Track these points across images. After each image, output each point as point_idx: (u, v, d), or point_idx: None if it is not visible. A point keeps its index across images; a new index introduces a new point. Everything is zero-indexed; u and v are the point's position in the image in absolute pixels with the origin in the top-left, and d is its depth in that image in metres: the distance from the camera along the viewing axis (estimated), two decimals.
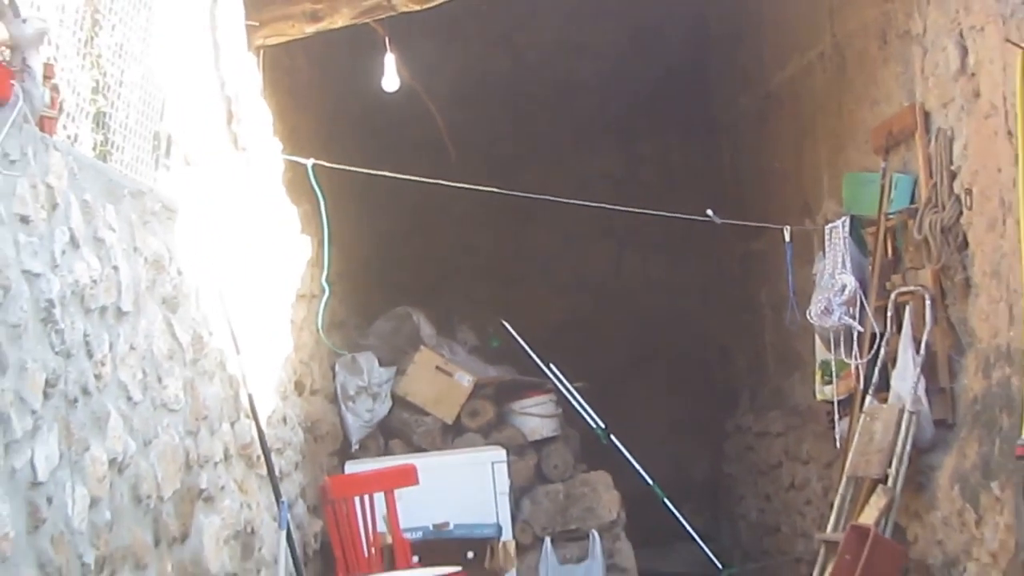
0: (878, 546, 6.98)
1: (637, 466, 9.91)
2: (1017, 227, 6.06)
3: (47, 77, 4.32)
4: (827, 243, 8.31)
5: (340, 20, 7.91)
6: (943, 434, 7.23)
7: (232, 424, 6.40)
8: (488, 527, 8.74)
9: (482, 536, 8.62)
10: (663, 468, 10.44)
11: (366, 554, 8.03)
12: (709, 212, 8.78)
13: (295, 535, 7.25)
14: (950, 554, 7.01)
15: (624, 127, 13.39)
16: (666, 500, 9.88)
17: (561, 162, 13.23)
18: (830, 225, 8.35)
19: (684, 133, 13.30)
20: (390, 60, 9.57)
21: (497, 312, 11.24)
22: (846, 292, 7.93)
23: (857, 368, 7.95)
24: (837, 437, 8.31)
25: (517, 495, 9.60)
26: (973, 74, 6.65)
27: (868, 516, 7.24)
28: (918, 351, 7.25)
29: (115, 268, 4.78)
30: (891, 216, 7.73)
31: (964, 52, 6.73)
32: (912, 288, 7.44)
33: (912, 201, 7.53)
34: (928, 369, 7.25)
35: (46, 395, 4.01)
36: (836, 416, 8.32)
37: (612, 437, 10.02)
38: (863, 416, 7.64)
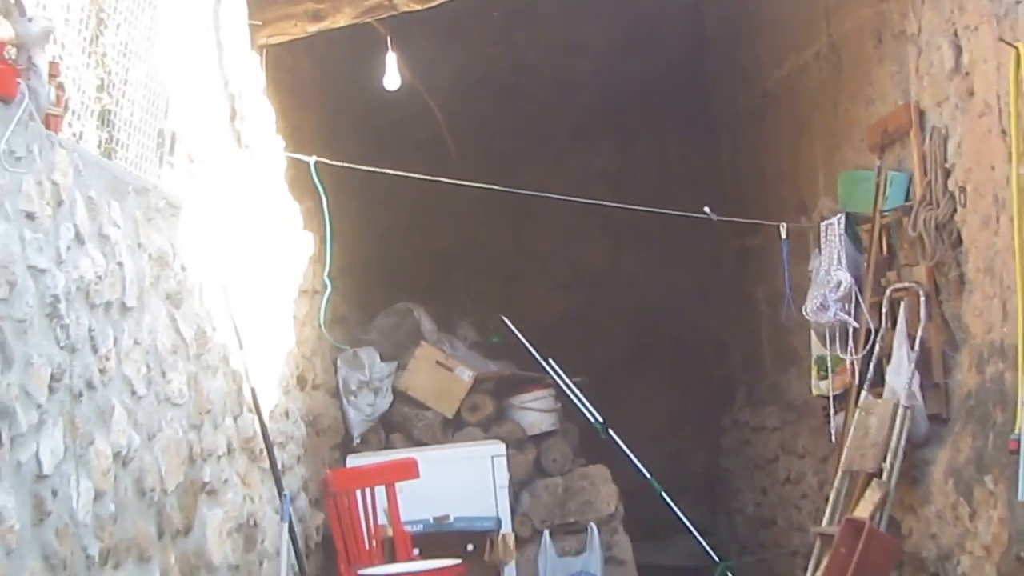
0: (873, 539, 6.98)
1: (635, 460, 9.89)
2: (1010, 224, 6.05)
3: (52, 75, 4.32)
4: (823, 240, 8.31)
5: (342, 19, 7.91)
6: (937, 429, 7.23)
7: (235, 418, 6.41)
8: (488, 520, 8.74)
9: (482, 529, 8.62)
10: (661, 462, 10.43)
11: (367, 546, 8.02)
12: (706, 209, 8.77)
13: (297, 528, 7.25)
14: (944, 547, 7.02)
15: (622, 125, 13.38)
16: (664, 494, 9.87)
17: (560, 160, 13.23)
18: (826, 222, 8.35)
19: (682, 131, 13.29)
20: (391, 59, 9.57)
21: (497, 308, 11.23)
22: (841, 288, 7.93)
23: (852, 363, 7.95)
24: (832, 432, 8.31)
25: (516, 488, 9.60)
26: (967, 73, 6.64)
27: (863, 510, 7.24)
28: (913, 347, 7.25)
29: (120, 264, 4.78)
30: (886, 213, 7.73)
31: (958, 51, 6.73)
32: (907, 284, 7.45)
33: (907, 198, 7.53)
34: (922, 364, 7.25)
35: (51, 389, 4.01)
36: (832, 411, 8.31)
37: (610, 431, 10.01)
38: (858, 411, 7.64)
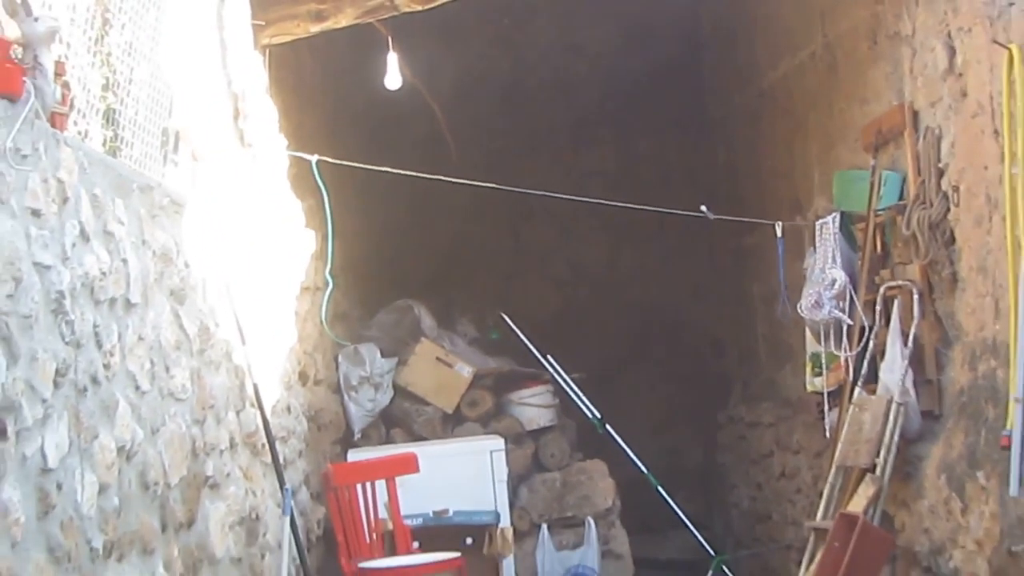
0: (866, 534, 6.98)
1: (632, 455, 9.89)
2: (1003, 223, 6.06)
3: (58, 74, 4.32)
4: (818, 238, 8.31)
5: (344, 20, 7.90)
6: (930, 425, 7.23)
7: (238, 413, 6.41)
8: (487, 514, 8.75)
9: (481, 523, 8.63)
10: (657, 457, 10.44)
11: (368, 540, 8.03)
12: (703, 208, 8.77)
13: (299, 521, 7.25)
14: (936, 542, 7.02)
15: (620, 124, 13.38)
16: (660, 488, 9.86)
17: (559, 158, 13.24)
18: (821, 221, 8.35)
19: (679, 131, 13.28)
20: (392, 59, 9.57)
21: (496, 305, 11.24)
22: (836, 286, 7.93)
23: (847, 360, 7.95)
24: (827, 427, 8.31)
25: (515, 483, 9.61)
26: (961, 74, 6.64)
27: (857, 504, 7.24)
28: (906, 344, 7.25)
29: (124, 261, 4.78)
30: (880, 212, 7.73)
31: (952, 52, 6.73)
32: (900, 283, 7.45)
33: (901, 198, 7.53)
34: (916, 361, 7.25)
35: (56, 384, 4.01)
36: (826, 407, 8.32)
37: (608, 427, 10.01)
38: (852, 407, 7.64)
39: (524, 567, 9.37)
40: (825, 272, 8.07)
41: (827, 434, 8.31)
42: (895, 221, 7.51)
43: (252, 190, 7.22)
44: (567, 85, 13.38)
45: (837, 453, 7.71)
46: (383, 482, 8.13)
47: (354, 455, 9.10)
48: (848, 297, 7.90)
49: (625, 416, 10.42)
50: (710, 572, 9.80)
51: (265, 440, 6.72)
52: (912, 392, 7.22)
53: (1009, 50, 5.92)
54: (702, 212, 8.76)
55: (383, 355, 9.78)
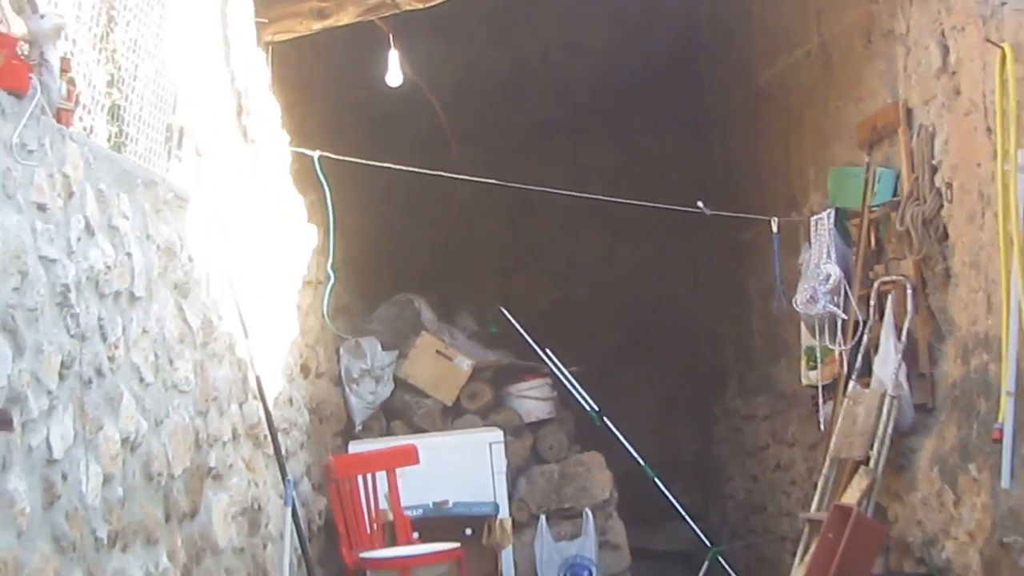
0: (860, 525, 6.98)
1: (629, 447, 9.89)
2: (995, 220, 6.05)
3: (64, 71, 4.32)
4: (813, 234, 8.31)
5: (346, 17, 7.91)
6: (923, 418, 7.24)
7: (240, 405, 6.41)
8: (486, 505, 8.75)
9: (480, 514, 8.62)
10: (654, 449, 10.43)
11: (368, 530, 8.04)
12: (699, 203, 8.78)
13: (300, 512, 7.26)
14: (929, 533, 7.03)
15: (618, 121, 13.36)
16: (657, 480, 9.87)
17: (558, 154, 13.24)
18: (816, 217, 8.35)
19: (676, 127, 13.27)
20: (394, 56, 9.57)
21: (495, 299, 11.25)
22: (831, 281, 7.93)
23: (841, 354, 7.95)
24: (821, 420, 8.31)
25: (514, 474, 9.62)
26: (954, 72, 6.64)
27: (851, 496, 7.24)
28: (899, 338, 7.26)
29: (128, 255, 4.78)
30: (874, 208, 7.73)
31: (945, 51, 6.73)
32: (894, 278, 7.45)
33: (895, 194, 7.53)
34: (909, 355, 7.25)
35: (61, 376, 4.02)
36: (820, 400, 8.32)
37: (605, 419, 10.01)
38: (846, 400, 7.65)
39: (523, 558, 9.38)
40: (820, 267, 8.07)
41: (821, 427, 8.31)
42: (889, 217, 7.51)
43: (255, 185, 7.22)
44: (566, 82, 13.37)
45: (831, 445, 7.72)
46: (384, 473, 8.13)
47: (355, 447, 9.10)
48: (842, 292, 7.91)
49: (622, 409, 10.41)
50: (706, 563, 9.81)
51: (267, 432, 6.72)
52: (905, 386, 7.23)
53: (1001, 49, 5.91)
54: (699, 208, 8.77)
55: (384, 348, 9.79)
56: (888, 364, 7.28)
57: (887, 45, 7.63)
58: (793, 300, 8.25)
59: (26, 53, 4.10)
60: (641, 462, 9.89)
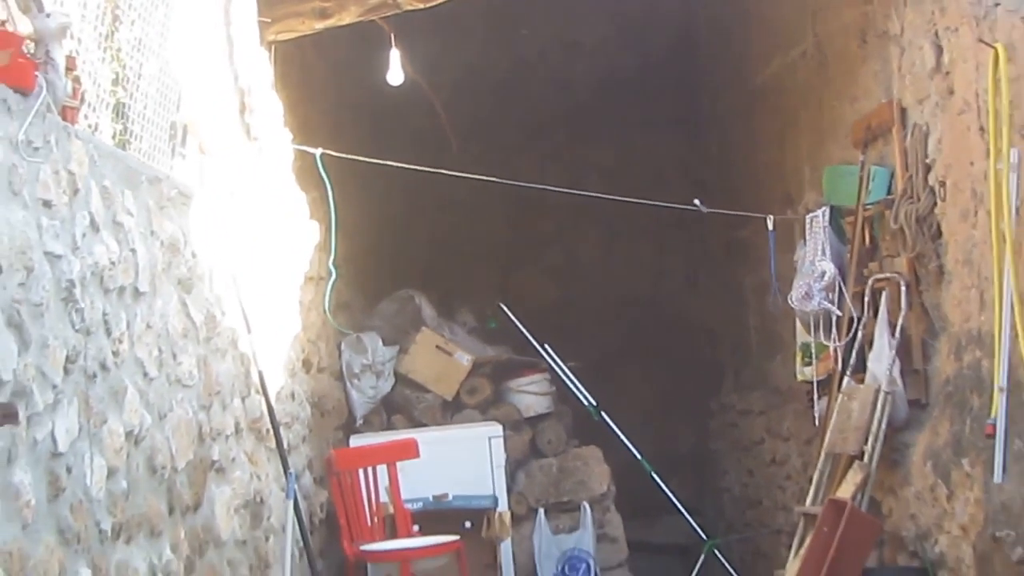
0: (854, 519, 6.98)
1: (627, 442, 9.90)
2: (988, 218, 6.06)
3: (69, 69, 4.32)
4: (808, 232, 8.31)
5: (348, 17, 7.90)
6: (917, 413, 7.24)
7: (243, 399, 6.41)
8: (485, 498, 8.75)
9: (479, 507, 8.63)
10: (651, 444, 10.44)
11: (369, 523, 8.05)
12: (696, 201, 8.77)
13: (302, 505, 7.26)
14: (922, 527, 7.03)
15: (616, 120, 13.35)
16: (654, 474, 9.88)
17: (556, 153, 13.23)
18: (811, 214, 8.34)
19: (673, 126, 13.26)
20: (395, 55, 9.57)
21: (495, 295, 11.25)
22: (826, 278, 7.93)
23: (835, 350, 7.95)
24: (816, 415, 8.31)
25: (512, 468, 9.61)
26: (948, 72, 6.64)
27: (845, 491, 7.24)
28: (893, 334, 7.25)
29: (133, 250, 4.78)
30: (869, 206, 7.73)
31: (939, 51, 6.72)
32: (888, 275, 7.44)
33: (889, 192, 7.53)
34: (903, 352, 7.25)
35: (66, 370, 4.01)
36: (815, 395, 8.32)
37: (603, 414, 10.02)
38: (841, 396, 7.65)
39: (521, 550, 9.38)
40: (815, 264, 8.07)
41: (816, 422, 8.31)
42: (883, 215, 7.51)
43: (258, 183, 7.22)
44: (565, 82, 13.37)
45: (826, 440, 7.72)
46: (384, 467, 8.14)
47: (356, 441, 9.11)
48: (837, 289, 7.90)
49: (620, 404, 10.42)
50: (702, 556, 9.82)
51: (270, 426, 6.72)
52: (899, 381, 7.23)
53: (995, 49, 5.91)
54: (695, 206, 8.76)
55: (385, 343, 9.78)
56: (882, 360, 7.28)
57: (882, 45, 7.62)
58: (788, 297, 8.24)
59: (32, 51, 4.10)
60: (638, 456, 9.90)
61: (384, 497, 8.14)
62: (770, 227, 8.87)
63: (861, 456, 7.25)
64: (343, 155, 8.18)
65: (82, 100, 4.49)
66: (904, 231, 7.13)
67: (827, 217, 8.12)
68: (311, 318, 8.59)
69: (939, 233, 6.87)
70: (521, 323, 10.33)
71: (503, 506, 8.91)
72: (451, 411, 9.87)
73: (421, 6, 7.77)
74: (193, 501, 5.34)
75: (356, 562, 7.90)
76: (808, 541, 7.42)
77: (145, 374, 4.84)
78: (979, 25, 6.16)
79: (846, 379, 7.71)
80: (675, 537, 11.07)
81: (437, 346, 9.90)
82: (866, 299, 7.62)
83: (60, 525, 3.88)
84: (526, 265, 13.43)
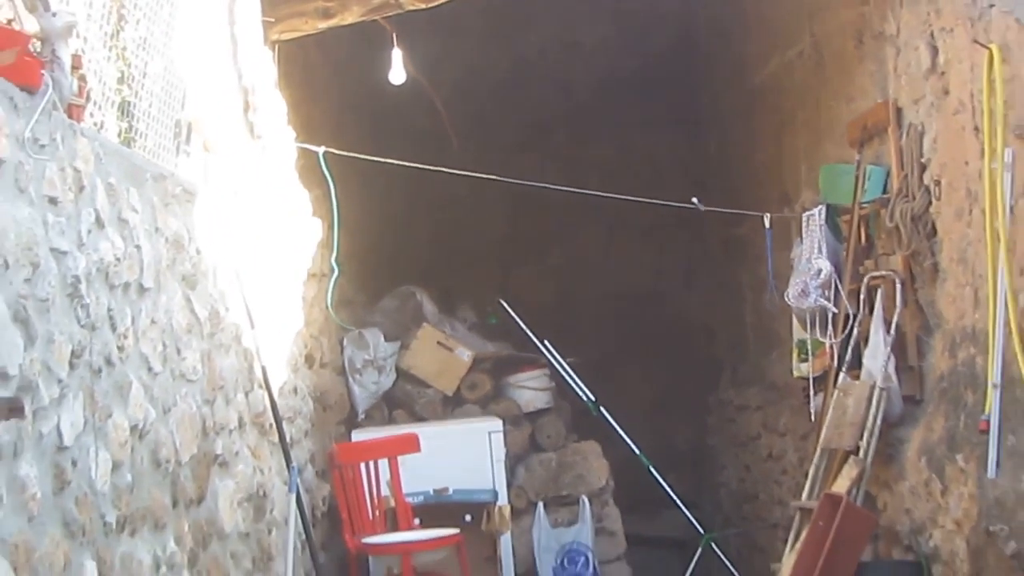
0: (850, 513, 6.98)
1: (625, 437, 9.91)
2: (982, 216, 6.05)
3: (75, 68, 4.32)
4: (804, 230, 8.31)
5: (350, 17, 7.90)
6: (911, 409, 7.24)
7: (246, 394, 6.41)
8: (485, 492, 8.75)
9: (479, 501, 8.63)
10: (649, 439, 10.44)
11: (371, 516, 8.04)
12: (694, 200, 8.78)
13: (304, 498, 7.26)
14: (917, 521, 7.03)
15: (616, 119, 13.35)
16: (652, 469, 9.89)
17: (556, 152, 13.22)
18: (807, 213, 8.35)
19: (672, 125, 13.26)
20: (397, 55, 9.56)
21: (495, 291, 11.25)
22: (822, 275, 7.93)
23: (831, 347, 7.95)
24: (812, 411, 8.31)
25: (512, 463, 9.61)
26: (943, 73, 6.64)
27: (840, 485, 7.24)
28: (889, 331, 7.25)
29: (138, 247, 4.78)
30: (865, 205, 7.73)
31: (935, 52, 6.72)
32: (884, 272, 7.44)
33: (884, 191, 7.53)
34: (898, 348, 7.25)
35: (72, 365, 4.01)
36: (811, 392, 8.32)
37: (602, 409, 10.03)
38: (837, 392, 7.65)
39: (521, 543, 9.38)
40: (811, 262, 8.07)
41: (812, 418, 8.31)
42: (879, 213, 7.51)
43: (261, 180, 7.22)
44: (565, 81, 13.37)
45: (822, 436, 7.72)
46: (386, 461, 8.13)
47: (358, 435, 9.10)
48: (833, 286, 7.90)
49: (619, 399, 10.43)
50: (699, 549, 9.83)
51: (272, 420, 6.72)
52: (894, 378, 7.23)
53: (989, 50, 5.91)
54: (693, 204, 8.76)
55: (386, 339, 9.79)
56: (877, 357, 7.28)
57: (878, 46, 7.62)
58: (785, 294, 8.25)
59: (38, 50, 4.10)
60: (636, 451, 9.91)
61: (385, 491, 8.13)
62: (767, 225, 8.88)
63: (856, 451, 7.25)
64: (345, 153, 8.18)
65: (88, 98, 4.49)
66: (899, 229, 7.13)
67: (823, 215, 8.13)
68: (314, 314, 8.59)
69: (934, 231, 6.87)
70: (521, 320, 10.33)
71: (503, 500, 8.91)
72: (452, 406, 9.87)
73: (423, 6, 7.77)
74: (197, 494, 5.34)
75: (358, 555, 7.91)
76: (804, 535, 7.42)
77: (149, 369, 4.84)
78: (974, 26, 6.16)
79: (842, 375, 7.71)
80: (673, 531, 11.08)
81: (438, 342, 9.91)
82: (862, 296, 7.62)
83: (65, 518, 3.88)
84: (526, 262, 13.42)
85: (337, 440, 8.89)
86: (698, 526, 9.98)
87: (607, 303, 13.29)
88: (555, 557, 9.38)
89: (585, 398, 10.08)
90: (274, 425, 6.73)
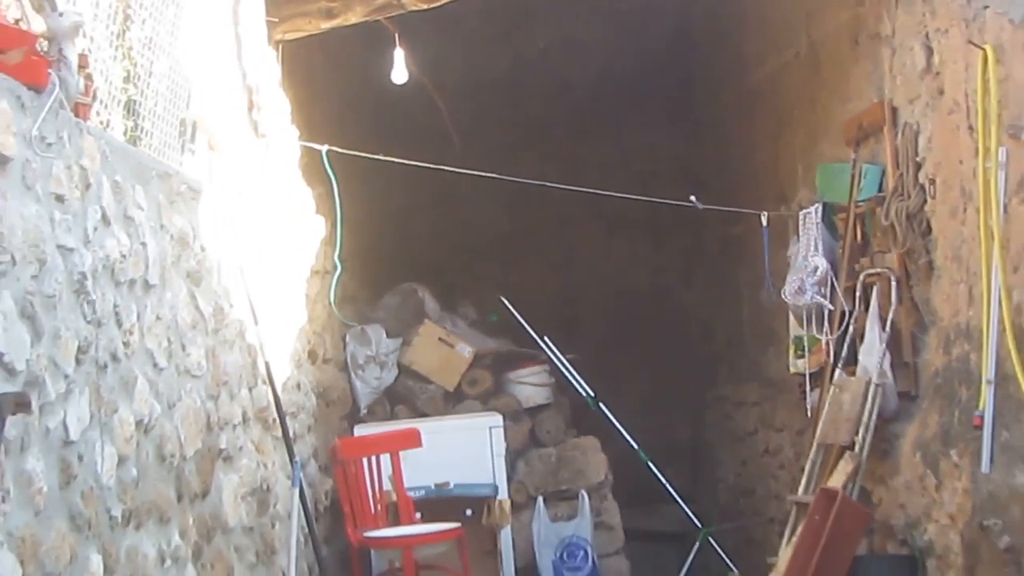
0: (845, 508, 6.99)
1: (624, 432, 9.90)
2: (977, 215, 6.06)
3: (82, 67, 4.32)
4: (801, 228, 8.31)
5: (353, 17, 7.90)
6: (906, 405, 7.24)
7: (250, 389, 6.41)
8: (486, 487, 8.75)
9: (480, 495, 8.64)
10: (647, 434, 10.43)
11: (373, 510, 8.04)
12: (692, 198, 8.77)
13: (307, 492, 7.26)
14: (912, 516, 7.03)
15: (615, 118, 13.35)
16: (650, 463, 9.88)
17: (556, 150, 13.21)
18: (804, 211, 8.34)
19: (670, 124, 13.25)
20: (399, 54, 9.56)
21: (496, 288, 11.22)
22: (818, 273, 7.93)
23: (827, 343, 7.95)
24: (808, 407, 8.31)
25: (512, 457, 9.60)
26: (938, 73, 6.64)
27: (836, 480, 7.25)
28: (884, 328, 7.26)
29: (143, 244, 4.78)
30: (860, 203, 7.73)
31: (929, 52, 6.72)
32: (879, 270, 7.45)
33: (880, 190, 7.53)
34: (893, 345, 7.26)
35: (78, 361, 4.02)
36: (808, 388, 8.32)
37: (601, 405, 10.02)
38: (832, 388, 7.65)
39: (521, 537, 9.37)
40: (808, 260, 8.07)
41: (808, 413, 8.31)
42: (874, 212, 7.51)
43: (265, 178, 7.22)
44: (565, 81, 13.35)
45: (818, 431, 7.72)
46: (387, 456, 8.13)
47: (360, 430, 9.10)
48: (829, 283, 7.90)
49: (617, 395, 10.42)
50: (697, 543, 9.83)
51: (276, 415, 6.73)
52: (889, 374, 7.23)
53: (984, 50, 5.91)
54: (691, 202, 8.76)
55: (388, 335, 9.78)
56: (873, 353, 7.29)
57: (873, 47, 7.62)
58: (782, 291, 8.25)
59: (45, 49, 4.09)
60: (635, 446, 9.90)
61: (387, 485, 8.13)
62: (764, 223, 8.87)
63: (852, 447, 7.26)
64: (348, 151, 8.18)
65: (94, 97, 4.49)
66: (895, 227, 7.13)
67: (820, 214, 8.12)
68: (317, 310, 8.59)
69: (929, 229, 6.88)
70: (521, 316, 10.32)
71: (503, 494, 8.90)
72: (453, 401, 9.86)
73: (425, 6, 7.77)
74: (201, 489, 5.34)
75: (360, 548, 7.90)
76: (800, 529, 7.42)
77: (155, 364, 4.84)
78: (968, 27, 6.16)
79: (838, 371, 7.71)
80: (670, 525, 11.06)
81: (439, 338, 9.90)
82: (857, 294, 7.62)
83: (71, 511, 3.88)
84: (527, 259, 13.40)
85: (340, 435, 8.89)
86: (696, 520, 9.98)
87: (606, 300, 13.28)
88: (554, 551, 9.37)
89: (584, 394, 10.08)
90: (277, 420, 6.73)
